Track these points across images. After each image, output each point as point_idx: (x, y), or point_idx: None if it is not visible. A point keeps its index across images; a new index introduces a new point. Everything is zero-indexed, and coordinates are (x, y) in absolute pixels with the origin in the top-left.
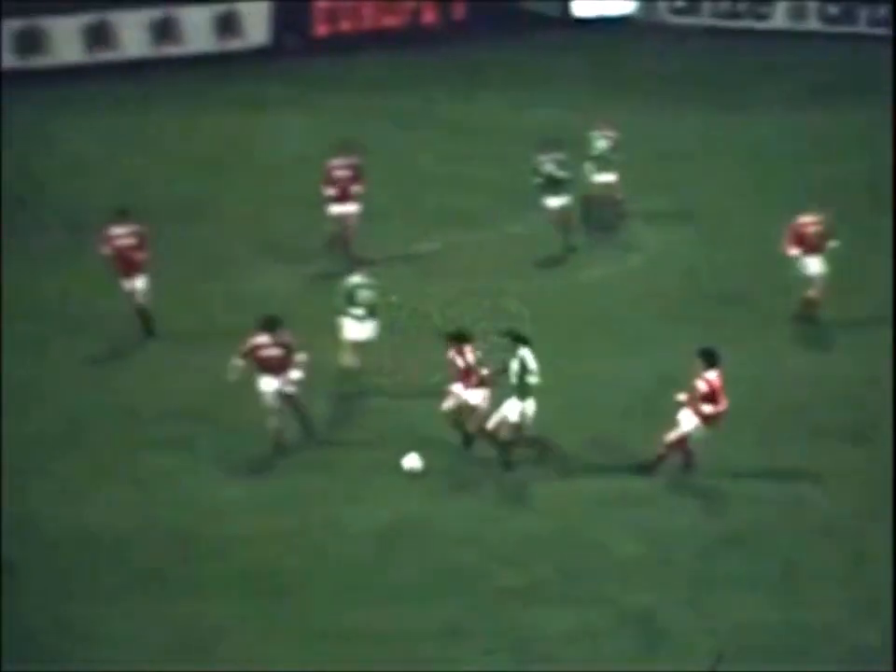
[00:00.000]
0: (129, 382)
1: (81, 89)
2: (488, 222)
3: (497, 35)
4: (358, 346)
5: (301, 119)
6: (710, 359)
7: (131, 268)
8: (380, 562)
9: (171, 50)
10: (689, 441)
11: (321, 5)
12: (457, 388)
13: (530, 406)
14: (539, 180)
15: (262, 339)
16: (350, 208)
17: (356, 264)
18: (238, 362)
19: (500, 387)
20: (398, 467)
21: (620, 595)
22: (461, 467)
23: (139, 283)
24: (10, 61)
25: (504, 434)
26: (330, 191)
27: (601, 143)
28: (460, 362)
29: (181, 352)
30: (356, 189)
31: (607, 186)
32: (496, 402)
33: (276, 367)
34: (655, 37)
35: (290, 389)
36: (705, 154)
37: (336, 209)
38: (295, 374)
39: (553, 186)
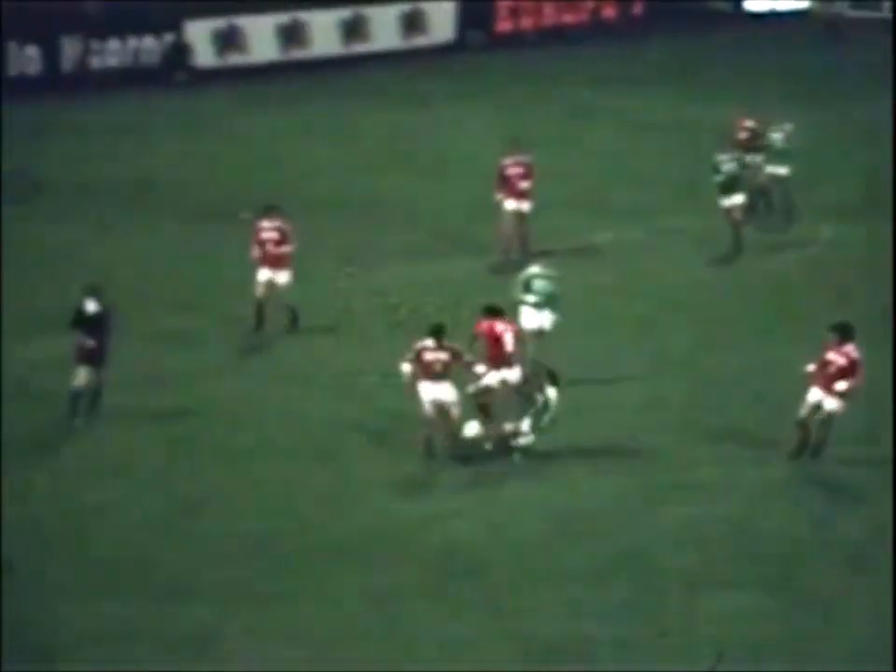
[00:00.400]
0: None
1: (275, 85)
2: (660, 215)
3: (673, 30)
4: (534, 335)
5: (483, 112)
6: (846, 333)
7: (274, 262)
8: (555, 545)
9: (360, 48)
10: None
11: (504, 2)
12: (484, 368)
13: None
14: (719, 178)
15: (428, 344)
16: (522, 205)
17: (531, 256)
18: (406, 367)
19: None
20: (574, 451)
21: (788, 578)
22: (629, 453)
23: (282, 277)
24: (209, 59)
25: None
26: (502, 189)
27: (776, 136)
28: (499, 339)
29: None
30: (526, 185)
31: (779, 178)
32: None
33: (438, 373)
34: (831, 31)
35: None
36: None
37: (509, 206)
38: (472, 386)
39: (732, 185)
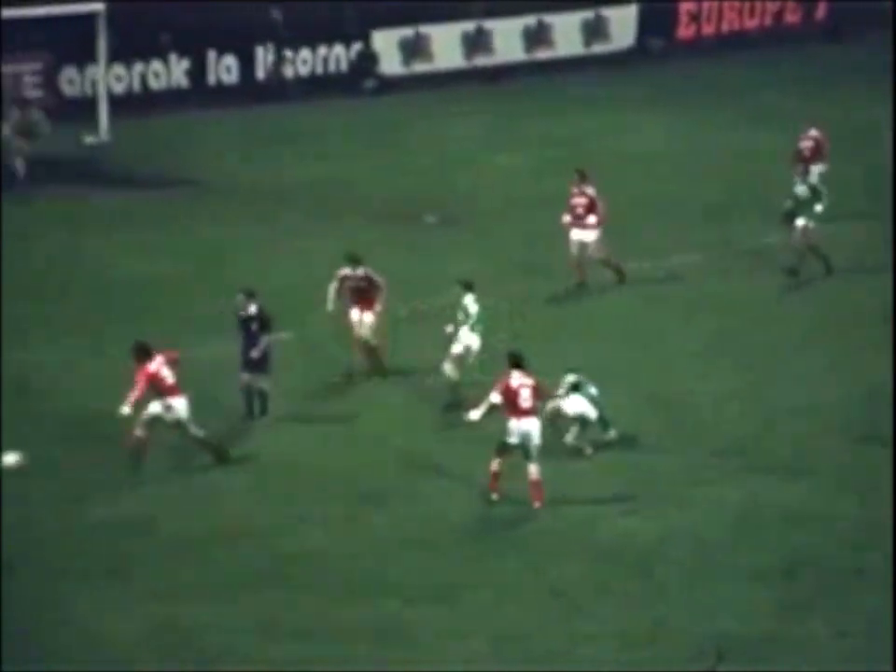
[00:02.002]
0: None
1: (459, 91)
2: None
3: (859, 33)
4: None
5: (662, 118)
6: None
7: (361, 303)
8: (733, 542)
9: (542, 55)
10: None
11: (686, 8)
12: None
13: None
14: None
15: (516, 375)
16: (586, 235)
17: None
18: (496, 399)
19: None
20: (745, 453)
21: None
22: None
23: (367, 317)
24: (395, 67)
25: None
26: (567, 218)
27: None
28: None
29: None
30: (590, 218)
31: None
32: None
33: (529, 410)
34: None
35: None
36: None
37: (574, 235)
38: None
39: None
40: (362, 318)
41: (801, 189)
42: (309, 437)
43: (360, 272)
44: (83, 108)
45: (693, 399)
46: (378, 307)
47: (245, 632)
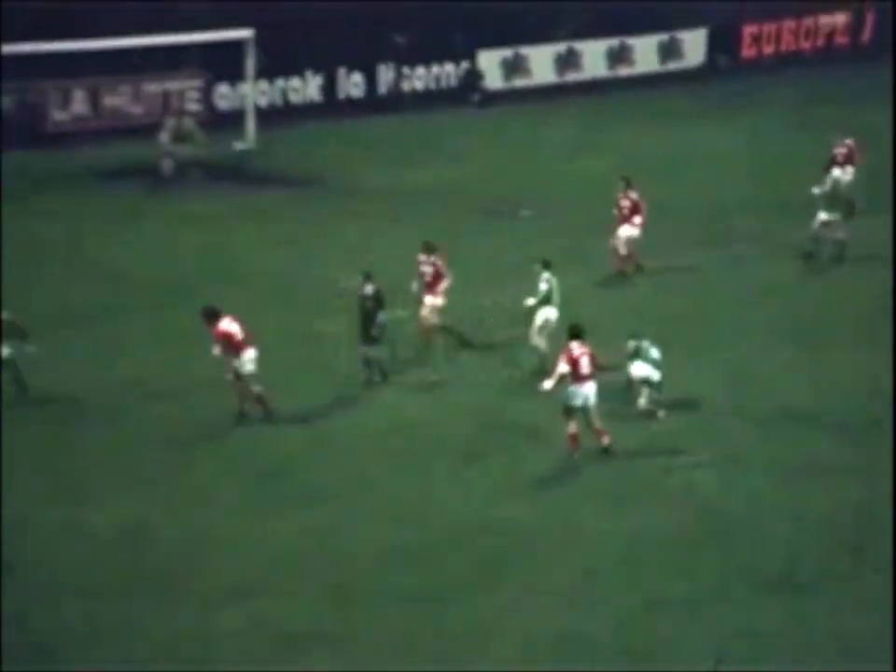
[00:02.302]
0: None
1: (552, 104)
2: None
3: None
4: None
5: (730, 131)
6: None
7: (428, 287)
8: (779, 493)
9: (624, 72)
10: None
11: (749, 30)
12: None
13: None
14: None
15: (575, 345)
16: (626, 232)
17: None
18: (564, 368)
19: None
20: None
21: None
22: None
23: (428, 300)
24: (498, 82)
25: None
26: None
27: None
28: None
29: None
30: (636, 218)
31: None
32: None
33: (588, 375)
34: None
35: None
36: None
37: (620, 232)
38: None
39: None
40: (424, 300)
41: (818, 189)
42: (419, 400)
43: (432, 258)
44: (234, 119)
45: (753, 370)
46: (440, 292)
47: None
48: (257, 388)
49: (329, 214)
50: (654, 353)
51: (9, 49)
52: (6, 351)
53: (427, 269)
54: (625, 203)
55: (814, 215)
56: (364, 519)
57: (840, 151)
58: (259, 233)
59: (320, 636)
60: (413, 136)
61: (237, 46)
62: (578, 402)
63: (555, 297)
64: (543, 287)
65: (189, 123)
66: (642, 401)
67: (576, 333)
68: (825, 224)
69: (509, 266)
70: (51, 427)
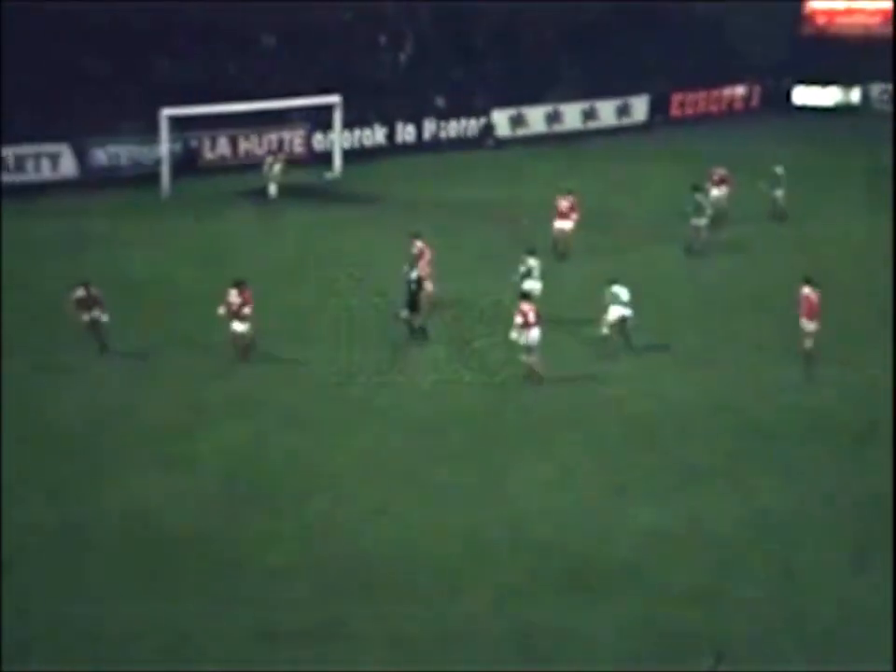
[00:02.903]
0: None
1: (544, 147)
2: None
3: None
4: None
5: (664, 164)
6: None
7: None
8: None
9: (592, 125)
10: None
11: (676, 97)
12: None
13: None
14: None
15: (525, 304)
16: (565, 225)
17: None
18: (518, 320)
19: None
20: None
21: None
22: None
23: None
24: (506, 131)
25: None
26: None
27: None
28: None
29: None
30: (573, 215)
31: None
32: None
33: (534, 323)
34: None
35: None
36: None
37: (556, 225)
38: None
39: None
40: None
41: (694, 202)
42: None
43: (420, 244)
44: (326, 157)
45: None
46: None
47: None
48: (248, 340)
49: (390, 222)
50: (624, 295)
51: (174, 111)
52: (105, 317)
53: (416, 252)
54: (564, 204)
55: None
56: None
57: (716, 176)
58: (340, 236)
59: None
60: (448, 169)
61: (329, 107)
62: (525, 341)
63: (537, 274)
64: (531, 264)
65: (282, 161)
66: (620, 336)
67: (524, 295)
68: (695, 228)
69: (513, 254)
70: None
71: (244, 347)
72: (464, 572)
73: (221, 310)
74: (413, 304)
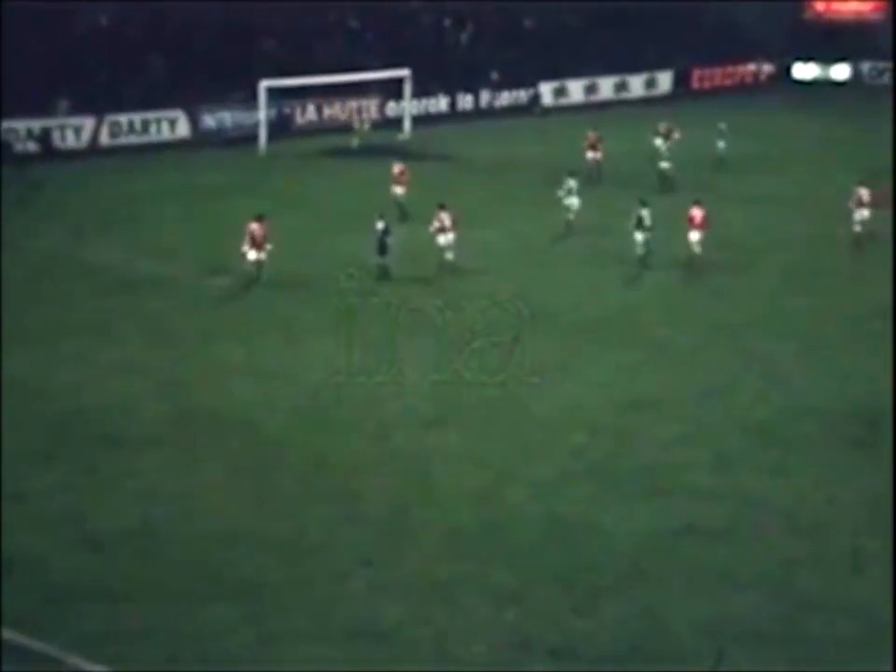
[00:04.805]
0: None
1: (583, 115)
2: None
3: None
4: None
5: (686, 129)
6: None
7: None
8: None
9: (623, 96)
10: None
11: (697, 72)
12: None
13: None
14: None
15: (442, 213)
16: (597, 155)
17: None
18: (436, 225)
19: None
20: None
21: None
22: None
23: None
24: (550, 101)
25: None
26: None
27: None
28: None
29: None
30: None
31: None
32: None
33: (448, 228)
34: None
35: None
36: None
37: (589, 155)
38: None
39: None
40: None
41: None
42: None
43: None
44: (397, 122)
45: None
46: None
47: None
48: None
49: (451, 175)
50: (648, 219)
51: (272, 83)
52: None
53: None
54: (592, 137)
55: None
56: None
57: (662, 128)
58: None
59: None
60: (500, 132)
61: (400, 79)
62: (442, 243)
63: (575, 192)
64: (571, 184)
65: (368, 123)
66: (642, 251)
67: (441, 205)
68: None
69: (553, 197)
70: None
71: (257, 272)
72: None
73: (245, 246)
74: (382, 250)
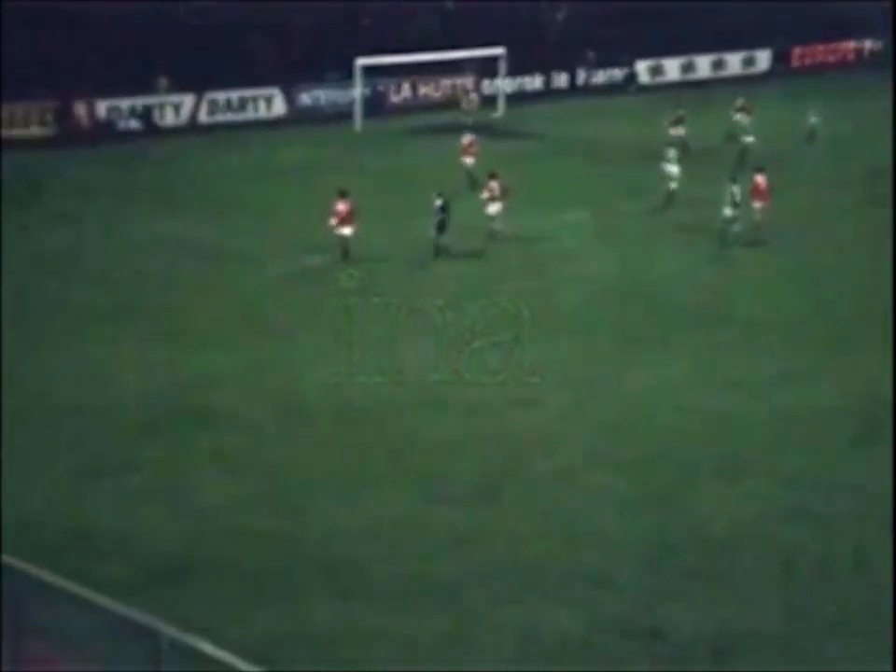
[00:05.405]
0: None
1: (678, 92)
2: None
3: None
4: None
5: (785, 106)
6: None
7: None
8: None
9: (720, 74)
10: None
11: (797, 51)
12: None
13: None
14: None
15: (492, 183)
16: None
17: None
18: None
19: None
20: None
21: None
22: None
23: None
24: (646, 79)
25: None
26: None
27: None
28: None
29: None
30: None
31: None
32: None
33: (498, 198)
34: None
35: None
36: None
37: (672, 132)
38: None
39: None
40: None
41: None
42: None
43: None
44: (492, 100)
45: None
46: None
47: None
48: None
49: (544, 151)
50: (738, 195)
51: (367, 61)
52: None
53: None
54: (680, 112)
55: None
56: None
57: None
58: (501, 160)
59: None
60: (595, 111)
61: (495, 58)
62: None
63: (675, 161)
64: (671, 155)
65: (476, 101)
66: (736, 228)
67: (492, 174)
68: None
69: (644, 176)
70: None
71: (345, 248)
72: None
73: (333, 221)
74: (441, 228)
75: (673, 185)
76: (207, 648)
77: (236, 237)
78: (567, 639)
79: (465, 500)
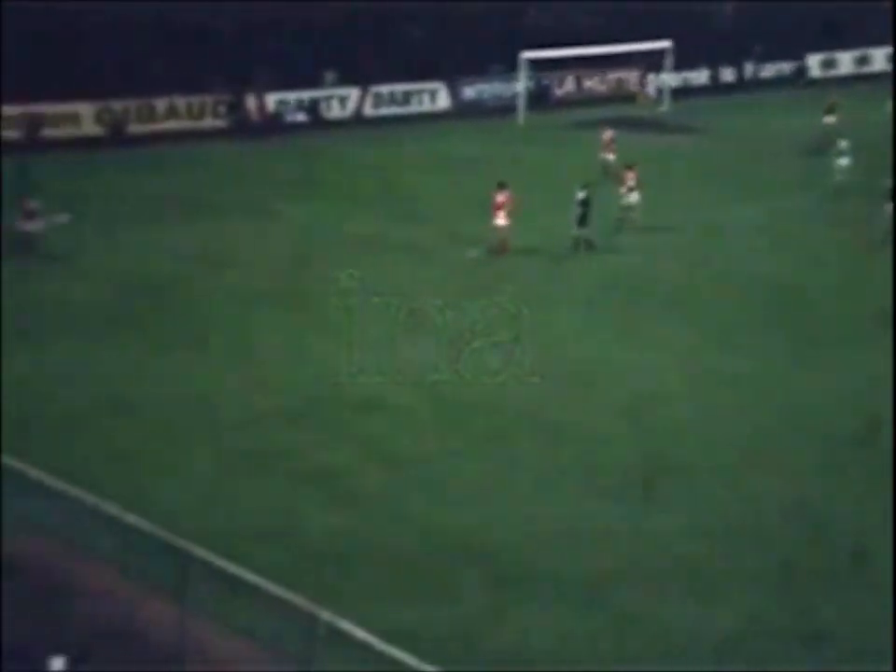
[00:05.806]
0: None
1: (842, 87)
2: None
3: None
4: None
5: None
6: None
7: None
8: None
9: (832, 73)
10: None
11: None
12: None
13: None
14: None
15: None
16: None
17: None
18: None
19: None
20: None
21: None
22: None
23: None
24: (818, 73)
25: None
26: None
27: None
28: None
29: None
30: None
31: None
32: None
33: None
34: None
35: None
36: None
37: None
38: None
39: None
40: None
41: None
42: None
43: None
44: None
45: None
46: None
47: None
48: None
49: (708, 148)
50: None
51: (532, 54)
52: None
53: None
54: (834, 99)
55: None
56: None
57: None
58: (666, 154)
59: None
60: (764, 105)
61: (661, 51)
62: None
63: (847, 151)
64: (843, 146)
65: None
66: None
67: (629, 165)
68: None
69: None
70: None
71: (501, 239)
72: None
73: (499, 218)
74: (582, 221)
75: (840, 177)
76: (361, 634)
77: (395, 228)
78: (721, 638)
79: (617, 494)
